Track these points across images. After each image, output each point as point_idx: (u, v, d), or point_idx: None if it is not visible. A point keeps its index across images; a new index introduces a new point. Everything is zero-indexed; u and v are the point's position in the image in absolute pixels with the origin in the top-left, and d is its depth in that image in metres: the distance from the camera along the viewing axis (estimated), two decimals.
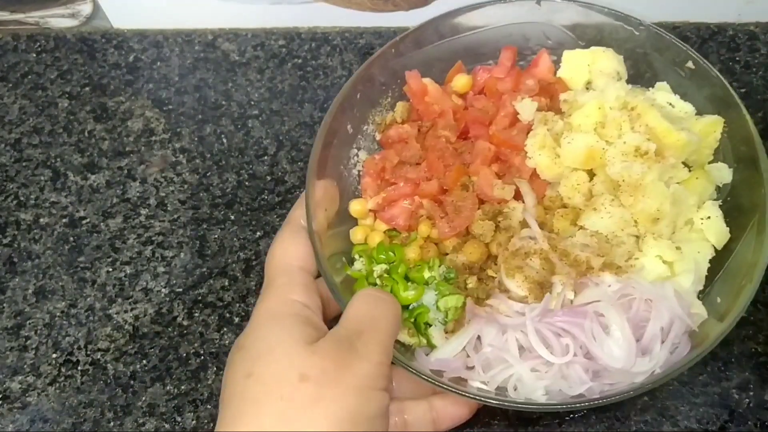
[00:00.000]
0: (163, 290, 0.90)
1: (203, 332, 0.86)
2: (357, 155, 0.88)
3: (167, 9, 1.09)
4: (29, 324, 0.89)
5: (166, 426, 0.81)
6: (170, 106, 1.05)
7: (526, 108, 0.83)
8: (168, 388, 0.83)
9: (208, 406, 0.81)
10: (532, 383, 0.69)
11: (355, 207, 0.84)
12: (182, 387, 0.83)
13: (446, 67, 0.91)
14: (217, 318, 0.87)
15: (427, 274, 0.77)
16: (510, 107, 0.84)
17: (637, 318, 0.71)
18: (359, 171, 0.87)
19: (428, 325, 0.75)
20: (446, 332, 0.75)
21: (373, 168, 0.85)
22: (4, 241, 0.95)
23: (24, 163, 1.02)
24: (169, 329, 0.87)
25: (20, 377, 0.85)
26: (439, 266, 0.78)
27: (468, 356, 0.74)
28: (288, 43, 1.09)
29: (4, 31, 1.14)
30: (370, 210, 0.84)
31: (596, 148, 0.78)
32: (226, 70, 1.07)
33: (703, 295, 0.76)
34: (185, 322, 0.87)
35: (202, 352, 0.85)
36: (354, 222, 0.85)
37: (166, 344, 0.86)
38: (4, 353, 0.87)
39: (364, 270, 0.79)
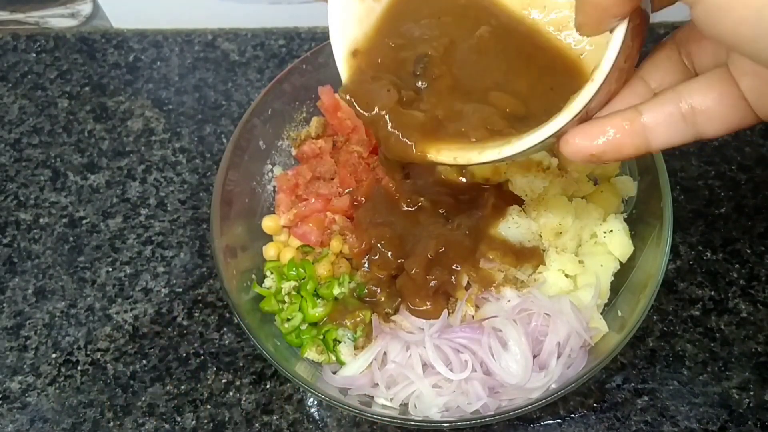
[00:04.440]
0: (163, 290, 0.90)
1: (203, 332, 0.86)
2: (272, 171, 0.88)
3: (167, 9, 1.09)
4: (29, 324, 0.89)
5: (166, 426, 0.81)
6: (170, 106, 1.05)
7: None
8: (168, 388, 0.83)
9: (208, 406, 0.81)
10: (431, 400, 0.69)
11: (268, 223, 0.84)
12: (182, 387, 0.83)
13: None
14: (217, 318, 0.87)
15: (336, 290, 0.78)
16: None
17: (536, 332, 0.71)
18: (274, 186, 0.87)
19: (337, 341, 0.76)
20: (356, 348, 0.75)
21: (286, 184, 0.85)
22: (4, 241, 0.95)
23: (24, 163, 1.02)
24: (169, 329, 0.87)
25: (20, 377, 0.85)
26: (350, 282, 0.78)
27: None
28: (288, 43, 1.09)
29: (4, 31, 1.14)
30: (284, 226, 0.84)
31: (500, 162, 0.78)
32: (226, 70, 1.07)
33: (607, 308, 0.76)
34: (185, 322, 0.87)
35: (201, 352, 0.85)
36: (268, 238, 0.85)
37: (166, 344, 0.86)
38: (4, 353, 0.87)
39: (273, 287, 0.80)
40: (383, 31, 0.61)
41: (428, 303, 0.74)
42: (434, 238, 0.76)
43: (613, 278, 0.76)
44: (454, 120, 0.55)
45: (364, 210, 0.82)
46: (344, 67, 0.60)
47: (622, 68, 0.47)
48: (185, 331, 0.86)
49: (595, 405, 0.78)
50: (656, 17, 0.49)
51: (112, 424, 0.81)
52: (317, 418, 0.80)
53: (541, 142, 0.48)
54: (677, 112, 0.46)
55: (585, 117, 0.48)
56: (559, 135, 0.48)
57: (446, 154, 0.54)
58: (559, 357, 0.70)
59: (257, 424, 0.80)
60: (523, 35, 0.58)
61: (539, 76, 0.56)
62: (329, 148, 0.87)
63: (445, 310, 0.74)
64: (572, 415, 0.78)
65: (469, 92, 0.57)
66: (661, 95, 0.47)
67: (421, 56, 0.58)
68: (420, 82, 0.58)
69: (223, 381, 0.82)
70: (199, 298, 0.89)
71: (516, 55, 0.58)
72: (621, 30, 0.44)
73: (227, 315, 0.87)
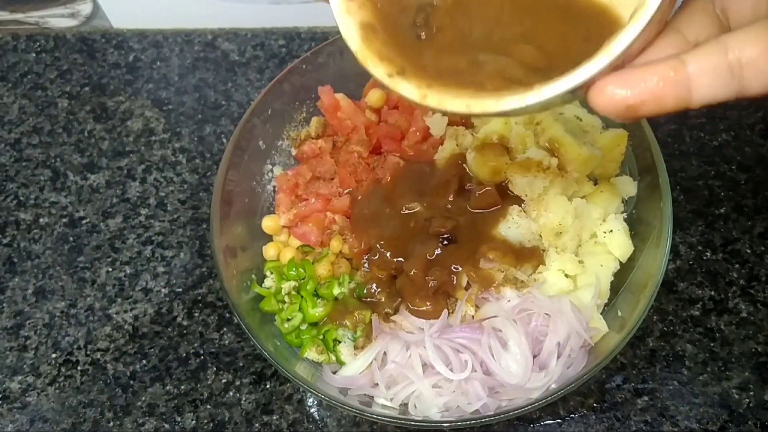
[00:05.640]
0: (163, 290, 0.90)
1: (203, 332, 0.86)
2: (272, 171, 0.88)
3: (167, 9, 1.09)
4: (29, 324, 0.89)
5: (166, 426, 0.81)
6: (170, 106, 1.05)
7: (437, 123, 0.84)
8: (168, 388, 0.83)
9: (208, 406, 0.81)
10: (431, 400, 0.69)
11: (268, 223, 0.84)
12: (182, 387, 0.83)
13: (363, 81, 0.90)
14: (217, 318, 0.87)
15: (336, 290, 0.78)
16: (422, 122, 0.85)
17: (536, 332, 0.71)
18: (274, 186, 0.87)
19: (337, 341, 0.76)
20: (356, 348, 0.75)
21: (286, 184, 0.85)
22: (4, 241, 0.95)
23: (24, 163, 1.02)
24: (169, 329, 0.87)
25: (20, 377, 0.85)
26: (350, 282, 0.78)
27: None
28: (288, 43, 1.09)
29: (4, 31, 1.14)
30: (284, 226, 0.84)
31: (500, 162, 0.78)
32: (226, 70, 1.07)
33: (607, 308, 0.76)
34: (185, 322, 0.87)
35: (201, 352, 0.85)
36: (268, 238, 0.85)
37: (166, 344, 0.86)
38: (4, 353, 0.87)
39: (273, 287, 0.80)
40: None
41: (428, 303, 0.74)
42: (433, 239, 0.76)
43: (613, 278, 0.76)
44: (466, 72, 0.50)
45: (359, 209, 0.82)
46: (344, 21, 0.53)
47: (665, 12, 0.44)
48: (185, 331, 0.86)
49: (595, 405, 0.78)
50: None
51: (112, 424, 0.81)
52: (317, 418, 0.80)
53: (573, 88, 0.43)
54: (724, 62, 0.42)
55: (619, 65, 0.44)
56: (590, 83, 0.43)
57: (456, 103, 0.48)
58: (559, 357, 0.70)
59: (257, 424, 0.80)
60: None
61: (571, 26, 0.50)
62: (329, 148, 0.87)
63: (445, 310, 0.73)
64: (572, 415, 0.78)
65: (481, 46, 0.52)
66: (705, 45, 0.43)
67: (423, 5, 0.54)
68: (421, 33, 0.53)
69: (223, 381, 0.82)
70: (199, 298, 0.89)
71: (544, 8, 0.52)
72: None
73: (227, 315, 0.87)
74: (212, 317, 0.87)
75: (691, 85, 0.42)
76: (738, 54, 0.42)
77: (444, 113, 0.50)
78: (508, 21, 0.53)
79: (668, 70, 0.42)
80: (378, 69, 0.50)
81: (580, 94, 0.45)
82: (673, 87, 0.42)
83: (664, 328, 0.82)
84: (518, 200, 0.79)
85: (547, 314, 0.71)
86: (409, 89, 0.49)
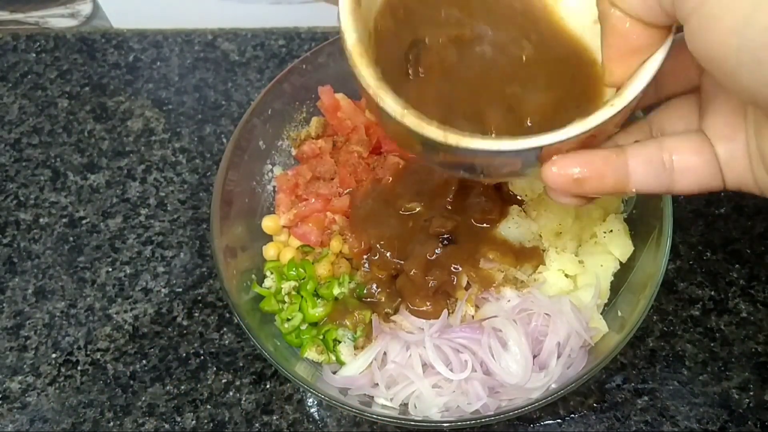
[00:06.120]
0: (162, 290, 0.90)
1: (203, 332, 0.86)
2: (272, 171, 0.88)
3: (167, 9, 1.09)
4: (29, 324, 0.89)
5: (166, 426, 0.81)
6: (170, 106, 1.05)
7: None
8: (168, 388, 0.83)
9: (208, 406, 0.81)
10: (431, 400, 0.69)
11: (268, 223, 0.84)
12: (182, 387, 0.83)
13: None
14: (216, 318, 0.87)
15: (336, 291, 0.78)
16: None
17: (536, 332, 0.71)
18: (274, 186, 0.88)
19: (337, 341, 0.76)
20: (356, 348, 0.75)
21: (286, 184, 0.85)
22: (4, 241, 0.95)
23: (24, 163, 1.02)
24: (169, 329, 0.87)
25: (20, 377, 0.85)
26: (350, 282, 0.78)
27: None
28: (288, 43, 1.09)
29: (4, 31, 1.14)
30: (284, 226, 0.85)
31: None
32: (226, 70, 1.07)
33: (607, 308, 0.76)
34: (185, 322, 0.87)
35: (201, 352, 0.85)
36: (268, 238, 0.85)
37: (166, 344, 0.86)
38: (4, 353, 0.87)
39: (273, 287, 0.80)
40: None
41: (428, 303, 0.74)
42: (433, 239, 0.76)
43: (613, 278, 0.76)
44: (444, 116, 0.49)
45: (358, 209, 0.82)
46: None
47: (624, 117, 0.48)
48: (185, 331, 0.86)
49: (595, 405, 0.78)
50: None
51: (112, 424, 0.81)
52: (317, 418, 0.80)
53: (536, 147, 0.46)
54: (659, 156, 0.48)
55: (579, 144, 0.48)
56: (551, 153, 0.47)
57: (433, 130, 0.47)
58: (559, 357, 0.70)
59: (257, 424, 0.80)
60: (566, 51, 0.54)
61: (557, 101, 0.51)
62: (329, 148, 0.87)
63: (445, 310, 0.73)
64: (572, 415, 0.78)
65: (462, 101, 0.52)
66: (644, 141, 0.50)
67: (416, 41, 0.53)
68: (409, 69, 0.53)
69: (223, 381, 0.82)
70: (199, 298, 0.89)
71: (549, 69, 0.53)
72: (660, 54, 0.45)
73: (227, 315, 0.87)
74: (212, 317, 0.87)
75: (629, 171, 0.48)
76: (671, 152, 0.48)
77: (416, 138, 0.49)
78: (508, 76, 0.53)
79: (611, 154, 0.49)
80: (369, 69, 0.49)
81: (539, 166, 0.48)
82: (614, 169, 0.48)
83: (664, 328, 0.82)
84: (518, 200, 0.79)
85: (547, 314, 0.71)
86: (391, 101, 0.48)
